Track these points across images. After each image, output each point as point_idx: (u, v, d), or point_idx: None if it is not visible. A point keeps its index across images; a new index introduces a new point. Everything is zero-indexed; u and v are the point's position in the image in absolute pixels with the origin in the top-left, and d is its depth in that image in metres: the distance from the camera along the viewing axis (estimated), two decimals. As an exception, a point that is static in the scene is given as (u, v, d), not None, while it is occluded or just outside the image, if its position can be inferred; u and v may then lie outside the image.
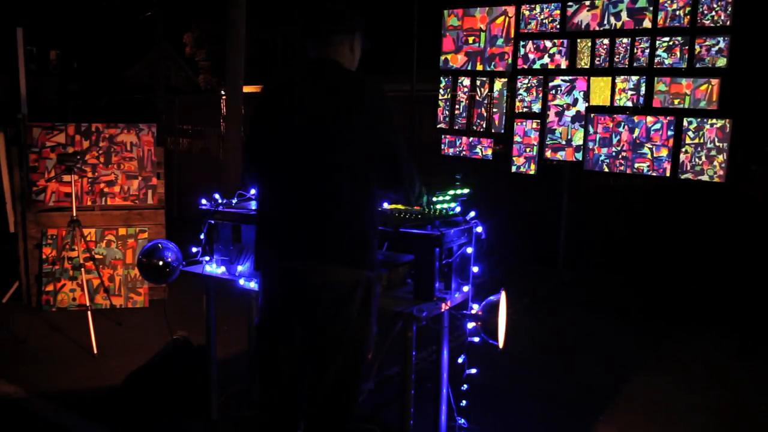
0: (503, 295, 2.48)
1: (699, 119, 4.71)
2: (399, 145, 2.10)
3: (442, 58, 5.96)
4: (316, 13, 2.18)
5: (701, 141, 4.74)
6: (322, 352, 2.10)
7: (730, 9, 4.51)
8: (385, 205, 2.65)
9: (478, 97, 5.80)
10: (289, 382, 2.20)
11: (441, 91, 5.96)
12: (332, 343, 2.08)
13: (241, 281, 2.78)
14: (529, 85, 5.49)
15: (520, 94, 5.54)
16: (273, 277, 2.13)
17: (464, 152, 5.88)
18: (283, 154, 2.07)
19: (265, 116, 2.15)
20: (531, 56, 5.45)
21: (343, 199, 2.00)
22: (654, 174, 4.92)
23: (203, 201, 2.97)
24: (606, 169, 5.14)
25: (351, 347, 2.10)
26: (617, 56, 5.01)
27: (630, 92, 5.00)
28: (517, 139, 5.56)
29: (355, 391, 2.19)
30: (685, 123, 4.78)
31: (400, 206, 2.71)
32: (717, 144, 4.67)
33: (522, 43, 5.44)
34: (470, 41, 5.80)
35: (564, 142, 5.31)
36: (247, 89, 7.68)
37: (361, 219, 2.04)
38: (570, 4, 5.18)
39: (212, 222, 2.93)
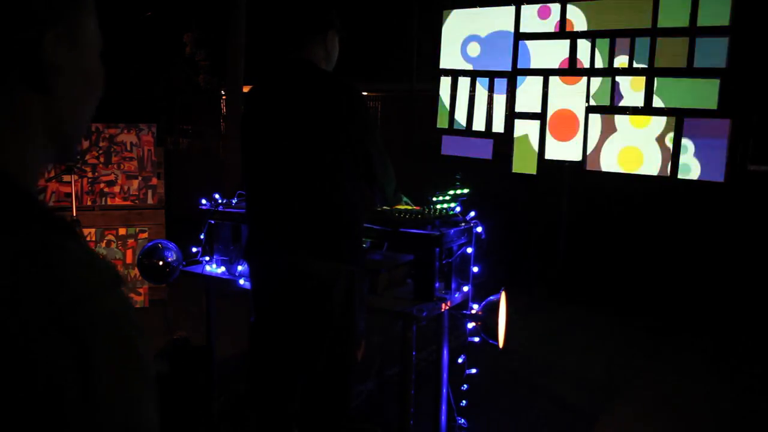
0: (503, 295, 2.48)
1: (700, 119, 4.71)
2: (373, 143, 2.14)
3: (442, 58, 5.96)
4: (286, 18, 2.24)
5: (701, 141, 4.74)
6: (309, 347, 2.12)
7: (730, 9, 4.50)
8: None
9: (478, 97, 5.79)
10: (281, 381, 2.23)
11: (441, 91, 5.96)
12: (317, 338, 2.10)
13: (241, 281, 2.78)
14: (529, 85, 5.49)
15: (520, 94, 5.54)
16: (258, 269, 2.22)
17: (464, 152, 5.88)
18: (264, 152, 2.16)
19: (248, 116, 2.23)
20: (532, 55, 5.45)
21: (318, 194, 2.06)
22: (654, 174, 4.92)
23: (203, 201, 2.97)
24: (606, 169, 5.14)
25: (336, 343, 2.11)
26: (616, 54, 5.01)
27: (630, 92, 5.00)
28: (517, 138, 5.56)
29: (345, 388, 2.20)
30: (685, 123, 4.77)
31: (399, 206, 2.71)
32: (717, 144, 4.67)
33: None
34: (470, 41, 5.80)
35: (564, 141, 5.31)
36: (247, 89, 7.68)
37: (339, 213, 2.08)
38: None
39: (212, 222, 2.93)
